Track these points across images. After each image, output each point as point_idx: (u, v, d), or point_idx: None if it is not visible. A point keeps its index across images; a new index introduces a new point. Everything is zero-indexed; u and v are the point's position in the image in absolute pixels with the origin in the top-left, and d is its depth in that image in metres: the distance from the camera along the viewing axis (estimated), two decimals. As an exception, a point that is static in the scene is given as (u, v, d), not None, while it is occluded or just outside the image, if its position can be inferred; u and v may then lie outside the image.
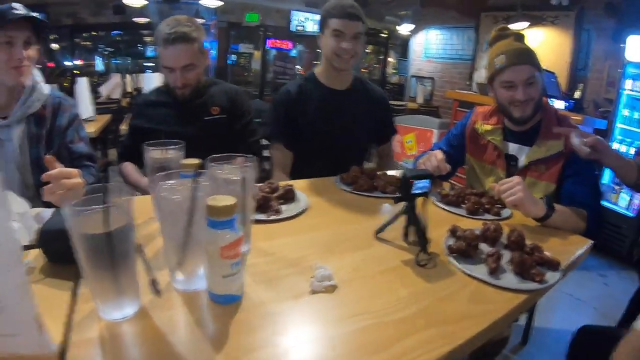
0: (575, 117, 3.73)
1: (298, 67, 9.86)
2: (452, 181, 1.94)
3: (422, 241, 1.06)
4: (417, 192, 1.09)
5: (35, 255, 0.92)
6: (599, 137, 1.40)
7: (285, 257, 1.02)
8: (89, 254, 0.68)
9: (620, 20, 4.22)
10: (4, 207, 0.56)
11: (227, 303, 0.81)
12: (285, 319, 0.79)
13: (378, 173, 1.70)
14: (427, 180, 1.09)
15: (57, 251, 0.88)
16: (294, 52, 9.78)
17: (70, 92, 3.66)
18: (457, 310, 0.88)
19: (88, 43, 8.90)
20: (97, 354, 0.68)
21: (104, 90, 5.17)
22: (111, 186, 0.72)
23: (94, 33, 8.74)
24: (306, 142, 1.94)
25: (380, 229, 1.18)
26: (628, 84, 3.64)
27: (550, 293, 1.06)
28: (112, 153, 4.88)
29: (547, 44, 5.08)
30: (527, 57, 1.58)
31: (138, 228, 1.07)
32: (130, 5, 6.08)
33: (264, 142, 2.05)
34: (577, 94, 4.68)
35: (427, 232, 1.08)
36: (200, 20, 7.64)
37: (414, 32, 7.41)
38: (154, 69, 9.20)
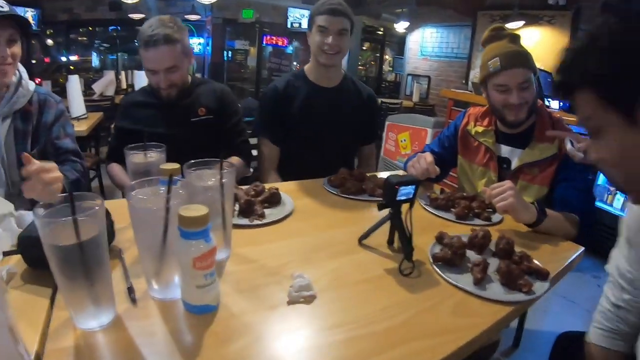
0: (570, 118, 3.70)
1: (295, 63, 9.84)
2: (446, 181, 1.92)
3: (406, 249, 1.04)
4: (402, 198, 1.06)
5: (17, 261, 0.91)
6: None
7: (266, 265, 1.00)
8: (62, 265, 0.67)
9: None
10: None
11: (202, 313, 0.79)
12: (260, 331, 0.77)
13: (367, 175, 1.68)
14: (413, 187, 1.06)
15: (36, 257, 0.85)
16: (290, 49, 9.76)
17: (65, 88, 3.64)
18: (440, 322, 0.86)
19: (84, 39, 8.86)
20: (73, 364, 0.66)
21: (97, 87, 5.12)
22: (81, 195, 0.69)
23: (90, 29, 8.70)
24: (293, 139, 1.96)
25: (364, 236, 1.16)
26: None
27: (548, 290, 1.04)
28: (104, 150, 4.85)
29: (543, 43, 5.07)
30: (522, 60, 1.55)
31: (120, 232, 1.06)
32: (126, 1, 6.02)
33: (254, 141, 2.05)
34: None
35: (411, 239, 1.06)
36: (195, 17, 7.63)
37: (410, 30, 7.39)
38: (142, 65, 9.17)
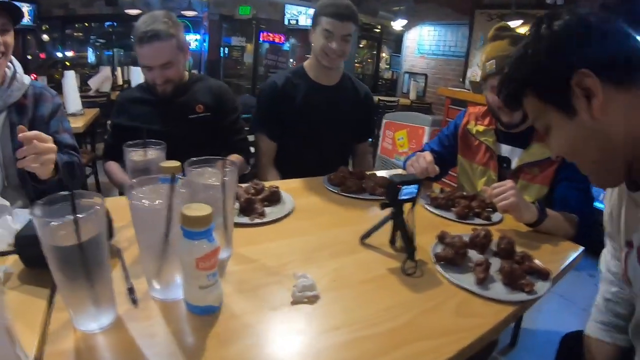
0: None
1: (291, 60, 9.82)
2: (445, 180, 1.92)
3: (408, 249, 1.03)
4: (404, 197, 1.05)
5: (14, 261, 0.89)
6: None
7: (267, 265, 0.99)
8: (61, 266, 0.65)
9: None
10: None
11: (204, 314, 0.78)
12: (264, 332, 0.77)
13: (367, 174, 1.68)
14: (416, 186, 1.05)
15: (33, 257, 0.84)
16: (286, 46, 9.73)
17: (61, 83, 3.61)
18: (443, 322, 0.85)
19: (80, 34, 8.80)
20: (72, 367, 0.65)
21: (93, 83, 5.08)
22: (81, 193, 0.68)
23: (85, 24, 8.64)
24: (291, 136, 1.96)
25: (366, 235, 1.15)
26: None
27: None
28: (101, 147, 4.82)
29: (540, 42, 5.08)
30: None
31: (119, 231, 1.05)
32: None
33: (251, 137, 2.05)
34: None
35: (414, 239, 1.05)
36: (192, 13, 7.60)
37: (407, 28, 7.39)
38: (137, 61, 9.14)
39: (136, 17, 7.63)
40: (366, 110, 2.16)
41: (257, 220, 1.22)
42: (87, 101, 4.13)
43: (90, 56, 9.00)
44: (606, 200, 1.01)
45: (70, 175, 1.44)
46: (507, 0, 5.23)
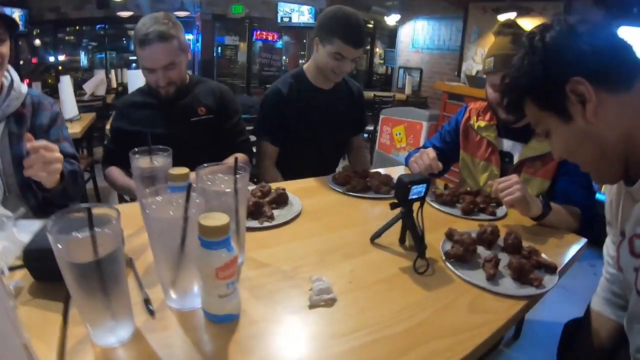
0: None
1: (284, 57, 9.80)
2: (447, 176, 1.93)
3: (419, 247, 1.05)
4: (414, 197, 1.06)
5: (23, 274, 0.88)
6: None
7: (281, 269, 1.00)
8: (78, 282, 0.65)
9: (609, 11, 4.22)
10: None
11: (223, 322, 0.78)
12: (284, 337, 0.77)
13: (371, 172, 1.69)
14: (424, 185, 1.06)
15: (44, 271, 0.84)
16: (280, 44, 9.71)
17: (55, 88, 3.59)
18: (457, 320, 0.86)
19: (72, 38, 8.76)
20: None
21: (87, 87, 5.06)
22: (97, 208, 0.67)
23: (77, 28, 8.60)
24: (292, 138, 1.98)
25: (377, 235, 1.16)
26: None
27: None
28: (98, 151, 4.80)
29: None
30: None
31: (128, 240, 1.05)
32: (113, -1, 5.95)
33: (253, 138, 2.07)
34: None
35: (424, 237, 1.06)
36: (184, 13, 7.57)
37: (401, 22, 7.37)
38: (137, 62, 9.11)
39: (128, 19, 7.61)
40: (360, 107, 2.22)
41: (266, 224, 1.22)
42: (83, 105, 4.12)
43: (83, 59, 8.96)
44: (607, 191, 1.06)
45: (74, 183, 1.43)
46: (501, -7, 5.26)
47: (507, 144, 1.70)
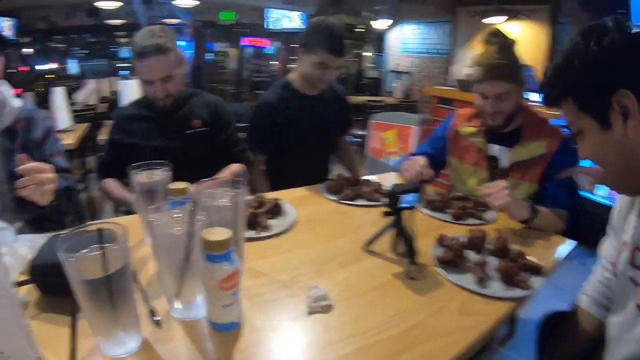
0: (554, 112, 3.79)
1: (275, 62, 9.84)
2: (439, 179, 1.98)
3: (411, 254, 1.09)
4: (404, 205, 1.11)
5: (28, 288, 0.91)
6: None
7: (278, 278, 1.04)
8: (89, 297, 0.69)
9: (595, 13, 4.30)
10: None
11: (227, 330, 0.82)
12: (285, 343, 0.82)
13: (362, 180, 1.74)
14: (414, 194, 1.11)
15: (50, 285, 0.88)
16: (270, 49, 9.75)
17: (45, 97, 3.58)
18: (449, 323, 0.91)
19: (61, 46, 8.72)
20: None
21: (79, 96, 5.06)
22: (106, 226, 0.71)
23: (67, 36, 8.57)
24: (282, 145, 2.06)
25: (370, 242, 1.21)
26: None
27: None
28: (91, 161, 4.81)
29: (523, 37, 5.17)
30: (502, 73, 1.58)
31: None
32: (104, 7, 5.95)
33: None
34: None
35: (415, 244, 1.11)
36: (174, 20, 7.59)
37: (390, 27, 7.44)
38: (129, 70, 9.10)
39: (118, 27, 7.59)
40: (346, 109, 2.31)
41: (263, 234, 1.26)
42: (75, 115, 4.09)
43: (73, 67, 8.94)
44: (618, 196, 1.07)
45: (68, 199, 1.44)
46: (489, -4, 5.33)
47: (495, 149, 1.75)
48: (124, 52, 9.20)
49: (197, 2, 6.24)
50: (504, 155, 1.72)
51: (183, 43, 8.69)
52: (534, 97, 4.27)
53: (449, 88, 4.85)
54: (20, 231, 1.24)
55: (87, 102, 5.09)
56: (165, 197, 1.07)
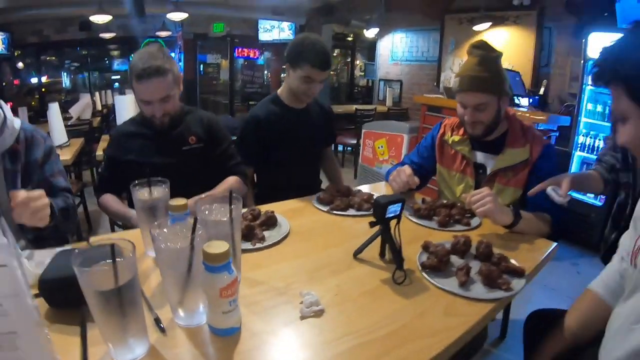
0: (540, 117, 3.89)
1: (266, 72, 9.94)
2: (429, 185, 2.05)
3: (397, 260, 1.16)
4: (390, 215, 1.19)
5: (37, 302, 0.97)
6: (568, 179, 1.47)
7: (274, 286, 1.11)
8: (102, 306, 0.75)
9: (580, 18, 4.39)
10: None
11: (227, 335, 0.89)
12: (281, 346, 0.89)
13: (352, 190, 1.81)
14: (399, 204, 1.19)
15: (59, 300, 0.94)
16: (261, 60, 9.85)
17: (39, 111, 3.61)
18: (434, 323, 0.98)
19: (54, 59, 8.78)
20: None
21: (74, 111, 5.11)
22: (116, 241, 0.78)
23: (60, 50, 8.63)
24: (271, 157, 2.15)
25: (359, 251, 1.28)
26: (590, 79, 3.79)
27: (525, 285, 1.17)
28: (86, 174, 4.86)
29: (510, 43, 5.27)
30: (481, 85, 1.64)
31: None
32: (96, 22, 6.01)
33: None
34: (541, 90, 4.90)
35: (401, 250, 1.18)
36: (166, 33, 7.66)
37: (380, 35, 7.54)
38: (120, 82, 9.16)
39: (110, 40, 7.62)
40: (331, 121, 2.42)
41: (258, 245, 1.33)
42: (70, 130, 4.14)
43: (65, 81, 8.99)
44: None
45: (65, 219, 1.48)
46: (476, 4, 5.41)
47: (480, 157, 1.82)
48: (117, 65, 9.28)
49: (187, 15, 6.30)
50: (488, 162, 1.79)
51: (174, 55, 8.78)
52: (523, 102, 4.38)
53: (438, 96, 4.94)
54: (23, 249, 1.29)
55: (81, 117, 5.13)
56: (166, 212, 1.15)
